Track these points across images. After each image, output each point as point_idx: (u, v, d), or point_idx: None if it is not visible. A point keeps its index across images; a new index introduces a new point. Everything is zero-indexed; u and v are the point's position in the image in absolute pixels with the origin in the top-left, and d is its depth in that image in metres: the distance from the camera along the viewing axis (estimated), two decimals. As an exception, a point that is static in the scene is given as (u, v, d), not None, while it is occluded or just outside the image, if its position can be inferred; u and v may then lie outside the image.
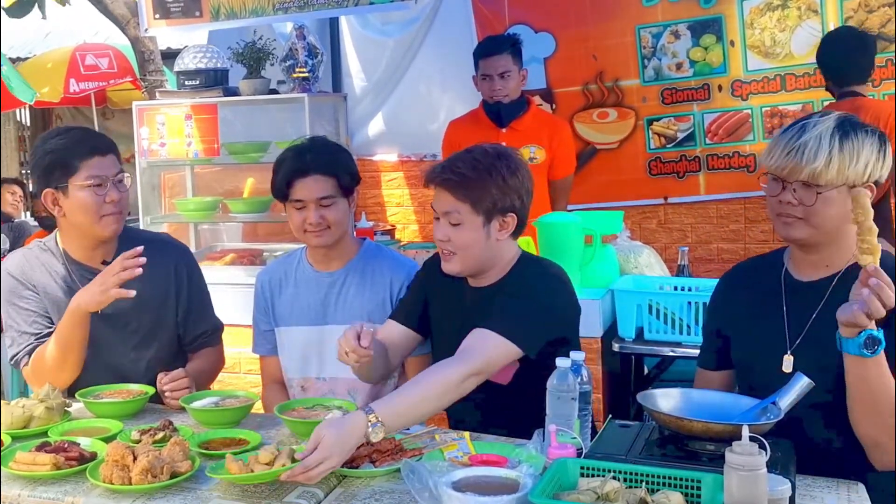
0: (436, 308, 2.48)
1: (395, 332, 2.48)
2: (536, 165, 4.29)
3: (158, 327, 2.72)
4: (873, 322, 1.75)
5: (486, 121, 4.30)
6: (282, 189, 2.63)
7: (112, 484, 1.88)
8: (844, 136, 1.89)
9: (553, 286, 2.33)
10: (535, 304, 2.25)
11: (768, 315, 2.05)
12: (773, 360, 1.99)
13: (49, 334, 2.60)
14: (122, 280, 2.40)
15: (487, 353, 2.13)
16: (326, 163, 2.61)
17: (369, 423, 1.88)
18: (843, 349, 1.79)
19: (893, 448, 1.85)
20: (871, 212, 1.76)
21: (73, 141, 2.53)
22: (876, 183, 1.92)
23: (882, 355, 1.79)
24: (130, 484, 1.88)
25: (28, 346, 2.61)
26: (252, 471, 1.84)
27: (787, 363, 1.96)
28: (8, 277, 2.64)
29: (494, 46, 4.21)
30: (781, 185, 1.95)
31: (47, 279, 2.63)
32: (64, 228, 2.65)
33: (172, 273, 2.74)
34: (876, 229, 1.75)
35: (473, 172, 2.24)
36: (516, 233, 2.34)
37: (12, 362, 2.65)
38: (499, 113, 4.25)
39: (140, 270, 2.41)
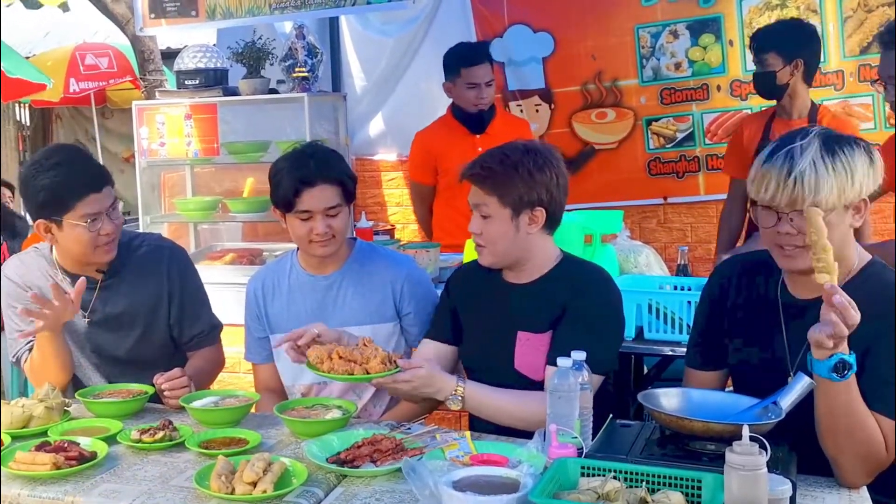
0: (469, 309, 2.51)
1: (433, 351, 2.52)
2: None
3: (151, 330, 2.74)
4: (846, 346, 1.72)
5: (459, 128, 4.31)
6: (288, 200, 2.56)
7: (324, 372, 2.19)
8: (835, 156, 1.84)
9: (616, 298, 2.39)
10: (611, 325, 2.38)
11: (768, 335, 2.03)
12: (776, 379, 1.96)
13: None
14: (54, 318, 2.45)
15: None
16: (331, 171, 2.57)
17: (455, 390, 2.23)
18: (813, 371, 1.76)
19: (852, 469, 1.84)
20: (825, 230, 1.72)
21: (69, 177, 2.49)
22: (870, 195, 1.89)
23: (852, 380, 1.76)
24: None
25: (28, 343, 2.64)
26: (234, 488, 1.83)
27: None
28: (7, 282, 2.69)
29: (478, 55, 4.20)
30: (777, 216, 1.90)
31: (44, 282, 2.65)
32: (62, 252, 2.66)
33: (164, 276, 2.74)
34: (831, 247, 1.71)
35: (500, 167, 2.31)
36: (550, 227, 2.39)
37: (13, 360, 2.70)
38: (480, 119, 4.27)
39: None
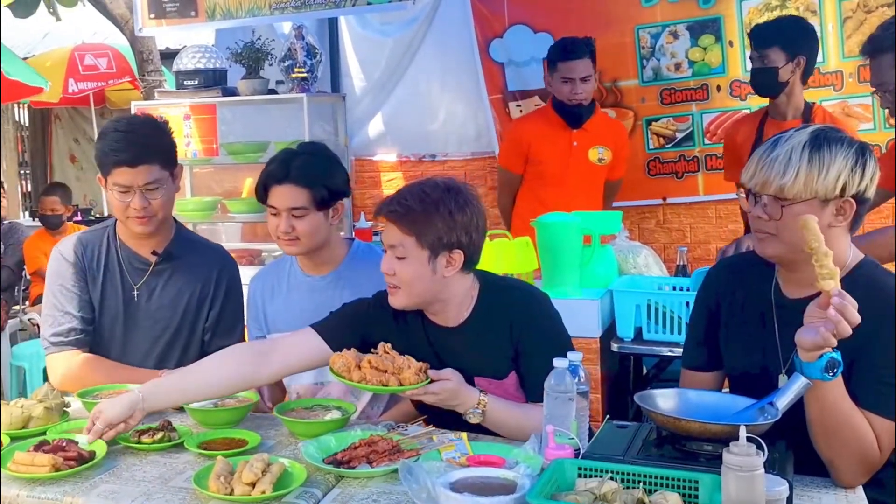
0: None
1: (311, 345, 2.32)
2: (603, 166, 4.37)
3: (188, 328, 2.75)
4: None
5: (557, 120, 4.27)
6: (260, 193, 2.66)
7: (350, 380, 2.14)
8: (815, 148, 1.87)
9: (549, 303, 2.33)
10: (563, 333, 2.29)
11: (761, 335, 2.04)
12: (769, 379, 1.96)
13: (89, 321, 2.69)
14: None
15: None
16: (305, 174, 2.59)
17: (478, 403, 2.17)
18: (805, 374, 1.77)
19: (847, 469, 1.84)
20: (822, 236, 1.73)
21: (111, 147, 2.57)
22: (859, 198, 1.89)
23: (840, 378, 1.78)
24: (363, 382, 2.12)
25: (72, 329, 2.66)
26: (233, 489, 1.83)
27: (783, 383, 1.93)
28: (61, 259, 2.72)
29: (576, 51, 4.16)
30: (754, 199, 1.95)
31: (97, 263, 2.71)
32: None
33: (214, 277, 2.77)
34: (831, 252, 1.72)
35: (420, 205, 2.19)
36: (467, 268, 2.26)
37: (53, 338, 2.67)
38: (578, 115, 4.24)
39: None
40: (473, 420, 2.18)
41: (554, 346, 2.12)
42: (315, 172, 2.62)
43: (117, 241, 2.74)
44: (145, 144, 2.59)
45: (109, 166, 2.57)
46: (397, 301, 2.26)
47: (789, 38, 3.67)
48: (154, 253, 2.71)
